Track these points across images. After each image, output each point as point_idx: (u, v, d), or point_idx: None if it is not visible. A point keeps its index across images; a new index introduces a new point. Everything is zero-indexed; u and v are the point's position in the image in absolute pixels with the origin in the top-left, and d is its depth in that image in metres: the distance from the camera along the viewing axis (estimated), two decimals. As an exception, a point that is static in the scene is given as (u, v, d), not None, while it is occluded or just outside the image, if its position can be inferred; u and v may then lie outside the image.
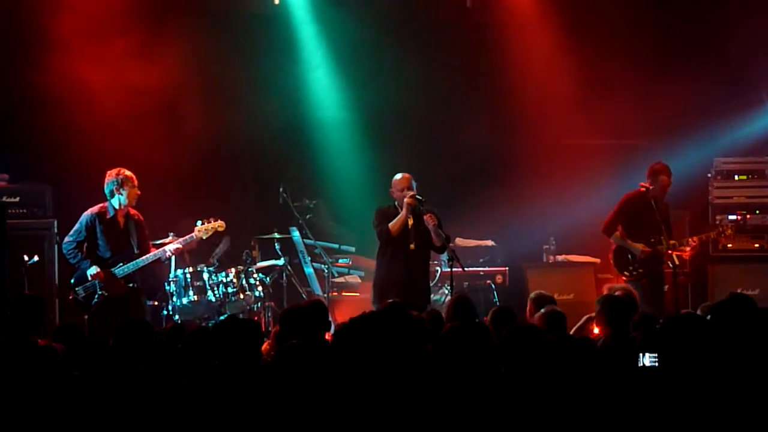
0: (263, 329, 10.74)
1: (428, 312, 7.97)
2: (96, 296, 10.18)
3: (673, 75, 12.68)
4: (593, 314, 8.01)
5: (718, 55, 12.78)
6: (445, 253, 10.29)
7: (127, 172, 10.28)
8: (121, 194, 10.23)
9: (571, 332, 8.31)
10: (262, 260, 12.29)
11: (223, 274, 11.39)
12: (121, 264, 10.24)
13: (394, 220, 10.11)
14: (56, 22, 12.09)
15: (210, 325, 10.09)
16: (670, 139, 12.72)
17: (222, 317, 8.85)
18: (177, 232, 11.23)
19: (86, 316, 10.23)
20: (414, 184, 10.23)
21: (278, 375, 5.61)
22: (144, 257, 10.29)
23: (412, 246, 10.14)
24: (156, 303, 11.60)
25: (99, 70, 12.28)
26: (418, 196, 10.11)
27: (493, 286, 12.49)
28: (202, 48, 12.67)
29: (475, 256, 12.87)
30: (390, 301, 7.64)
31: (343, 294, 12.80)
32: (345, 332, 6.05)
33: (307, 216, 12.92)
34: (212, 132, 12.67)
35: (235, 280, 11.39)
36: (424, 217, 10.04)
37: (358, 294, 12.74)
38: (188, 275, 11.25)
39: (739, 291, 10.92)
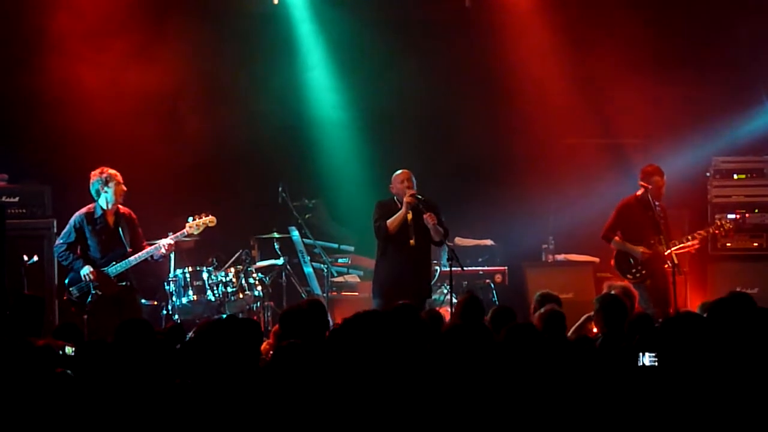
0: (263, 329, 10.75)
1: (427, 311, 7.98)
2: (90, 296, 10.19)
3: (673, 74, 12.68)
4: (592, 313, 8.02)
5: (717, 54, 12.78)
6: (445, 253, 10.29)
7: (111, 171, 10.25)
8: (107, 192, 10.22)
9: (571, 332, 8.32)
10: (262, 260, 12.31)
11: (223, 273, 11.40)
12: (114, 263, 10.24)
13: (393, 218, 10.12)
14: (55, 22, 12.10)
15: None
16: (669, 138, 12.72)
17: (222, 316, 8.85)
18: (176, 232, 11.24)
19: (85, 316, 10.23)
20: (414, 182, 10.24)
21: (277, 374, 5.62)
22: (135, 255, 10.29)
23: (412, 241, 10.15)
24: (155, 303, 11.61)
25: (98, 70, 12.29)
26: (418, 195, 10.12)
27: (493, 285, 12.49)
28: (201, 48, 12.66)
29: (475, 255, 12.88)
30: (400, 302, 7.63)
31: (343, 293, 12.81)
32: (340, 332, 6.07)
33: (307, 215, 12.93)
34: (211, 131, 12.67)
35: (234, 280, 11.40)
36: (424, 216, 10.05)
37: (357, 293, 12.74)
38: (188, 275, 11.25)
39: (738, 290, 10.93)
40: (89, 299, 10.19)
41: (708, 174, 12.92)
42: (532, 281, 12.40)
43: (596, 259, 12.75)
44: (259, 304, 11.71)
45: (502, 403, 5.50)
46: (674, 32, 13.06)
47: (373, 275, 10.47)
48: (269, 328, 11.32)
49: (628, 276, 10.86)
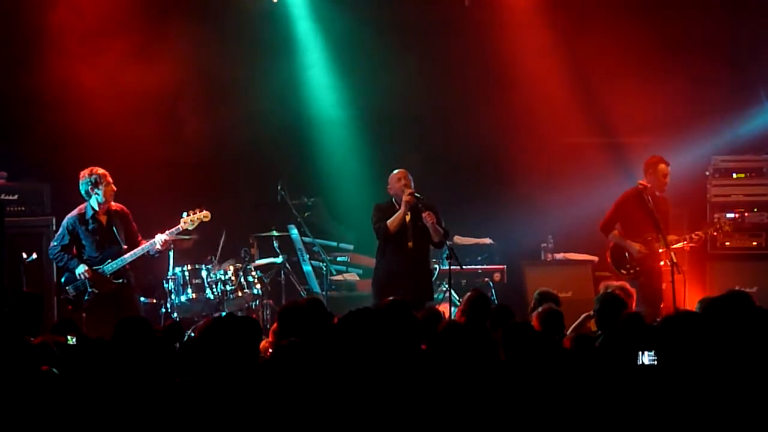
0: (261, 327, 10.73)
1: (427, 310, 7.98)
2: (87, 294, 10.20)
3: (672, 73, 12.68)
4: (592, 312, 8.02)
5: (717, 53, 12.79)
6: (444, 251, 10.29)
7: (100, 171, 10.24)
8: (97, 194, 10.22)
9: (570, 330, 8.32)
10: (261, 258, 12.30)
11: (222, 271, 11.39)
12: (109, 260, 10.25)
13: (393, 218, 10.12)
14: (55, 21, 12.11)
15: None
16: (669, 137, 12.71)
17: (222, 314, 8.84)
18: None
19: (83, 314, 10.23)
20: (411, 180, 10.23)
21: (276, 372, 5.62)
22: (131, 252, 10.28)
23: (410, 244, 10.14)
24: (154, 301, 11.60)
25: (98, 68, 12.29)
26: (416, 194, 10.11)
27: (492, 284, 12.49)
28: (201, 46, 12.65)
29: (474, 254, 12.88)
30: (391, 298, 7.63)
31: (342, 292, 12.80)
32: (335, 330, 6.07)
33: (306, 214, 12.93)
34: (211, 130, 12.67)
35: (233, 278, 11.39)
36: (423, 215, 10.05)
37: (356, 291, 12.74)
38: (186, 273, 11.24)
39: (737, 289, 10.93)
40: (86, 298, 10.21)
41: (707, 173, 12.92)
42: (531, 280, 12.40)
43: (595, 258, 12.75)
44: (258, 302, 11.70)
45: (500, 401, 5.50)
46: (674, 31, 13.05)
47: (373, 275, 10.47)
48: (268, 326, 11.31)
49: (622, 271, 10.87)
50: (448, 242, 10.31)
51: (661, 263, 10.83)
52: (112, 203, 10.35)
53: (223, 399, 5.53)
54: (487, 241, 13.10)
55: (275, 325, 7.44)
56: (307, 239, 12.73)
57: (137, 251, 10.30)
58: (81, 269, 10.18)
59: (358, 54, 13.33)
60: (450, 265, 10.10)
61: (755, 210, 12.78)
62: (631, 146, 13.04)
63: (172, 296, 11.22)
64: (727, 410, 5.38)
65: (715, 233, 11.37)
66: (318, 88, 13.57)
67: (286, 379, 5.56)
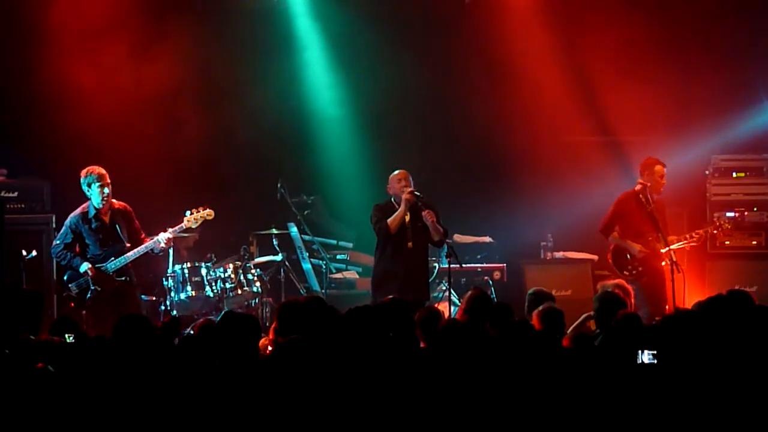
0: (261, 325, 10.73)
1: (426, 308, 7.98)
2: (89, 292, 10.20)
3: (672, 72, 12.68)
4: (592, 312, 8.01)
5: (716, 52, 12.78)
6: (443, 249, 10.28)
7: (96, 171, 10.21)
8: (91, 195, 10.23)
9: (570, 330, 8.31)
10: (260, 256, 12.30)
11: (221, 269, 11.39)
12: (112, 259, 10.25)
13: (393, 217, 10.11)
14: (55, 19, 12.10)
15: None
16: (669, 136, 12.71)
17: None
18: (174, 227, 11.23)
19: (84, 312, 10.23)
20: (411, 181, 10.23)
21: (278, 369, 5.62)
22: (135, 250, 10.28)
23: (409, 244, 10.14)
24: (154, 298, 11.60)
25: (98, 66, 12.28)
26: (416, 193, 10.11)
27: (491, 282, 12.49)
28: (201, 44, 12.65)
29: (473, 252, 12.88)
30: (390, 297, 7.64)
31: (341, 290, 12.80)
32: (335, 328, 6.08)
33: (305, 212, 12.93)
34: (210, 128, 12.67)
35: (233, 276, 11.39)
36: (423, 213, 10.04)
37: (355, 290, 12.74)
38: (186, 271, 11.24)
39: (736, 288, 10.93)
40: (89, 295, 10.21)
41: (707, 172, 12.92)
42: (531, 278, 12.40)
43: (594, 257, 12.75)
44: (257, 300, 11.70)
45: (498, 399, 5.50)
46: (674, 30, 13.05)
47: (372, 273, 10.47)
48: (267, 324, 11.32)
49: (624, 272, 10.86)
50: (447, 241, 10.30)
51: (663, 263, 10.83)
52: (114, 201, 10.35)
53: (224, 396, 5.53)
54: (487, 239, 13.10)
55: (275, 323, 7.43)
56: (306, 237, 12.73)
57: (140, 249, 10.30)
58: (85, 267, 10.18)
59: (358, 52, 13.32)
60: (450, 263, 10.10)
61: (755, 209, 12.78)
62: (631, 145, 13.03)
63: (172, 294, 11.22)
64: (727, 409, 5.39)
65: (715, 231, 11.36)
66: (318, 86, 13.55)
67: (288, 376, 5.56)
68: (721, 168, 12.93)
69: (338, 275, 12.97)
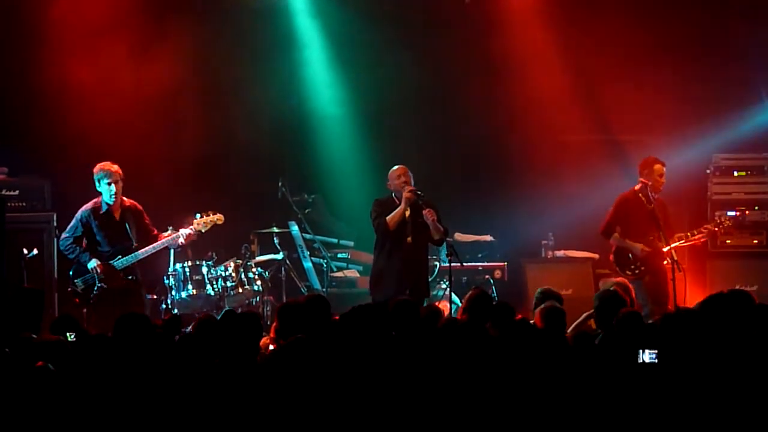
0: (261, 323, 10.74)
1: (426, 307, 7.98)
2: (95, 288, 10.19)
3: (673, 71, 12.67)
4: (593, 311, 8.00)
5: (717, 52, 12.77)
6: (444, 248, 10.27)
7: (107, 167, 10.22)
8: (103, 189, 10.24)
9: (571, 329, 8.32)
10: (261, 254, 12.31)
11: (222, 268, 11.40)
12: (120, 256, 10.25)
13: (392, 213, 10.09)
14: (56, 18, 12.10)
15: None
16: (669, 135, 12.71)
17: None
18: (176, 226, 11.23)
19: (84, 310, 10.24)
20: (411, 176, 10.22)
21: (283, 369, 5.63)
22: (144, 249, 10.29)
23: (408, 240, 10.12)
24: (155, 296, 11.61)
25: (99, 65, 12.30)
26: (417, 191, 10.10)
27: (492, 281, 12.49)
28: (201, 44, 12.66)
29: (474, 251, 12.88)
30: (397, 297, 7.63)
31: (342, 288, 12.81)
32: (338, 326, 6.08)
33: (306, 210, 12.94)
34: (211, 126, 12.68)
35: (234, 274, 11.40)
36: (424, 211, 10.02)
37: (356, 288, 12.74)
38: (187, 269, 11.25)
39: (737, 287, 10.93)
40: (94, 292, 10.19)
41: (708, 171, 12.91)
42: (532, 277, 12.41)
43: (596, 256, 12.75)
44: (258, 298, 11.71)
45: (498, 398, 5.51)
46: (673, 29, 13.03)
47: (371, 271, 10.46)
48: (268, 322, 11.33)
49: (627, 272, 10.85)
50: (448, 239, 10.29)
51: (665, 262, 10.83)
52: (125, 199, 10.37)
53: (225, 395, 5.53)
54: (488, 238, 13.10)
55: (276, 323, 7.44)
56: (307, 236, 12.74)
57: (157, 245, 10.34)
58: (93, 263, 10.18)
59: (358, 51, 13.32)
60: (450, 262, 10.09)
61: (756, 208, 12.77)
62: (632, 144, 13.03)
63: (173, 292, 11.23)
64: (727, 408, 5.39)
65: (716, 229, 11.36)
66: (318, 85, 13.56)
67: (294, 375, 5.57)
68: (722, 167, 12.92)
69: (339, 274, 12.97)
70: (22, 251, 10.86)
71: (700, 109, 12.75)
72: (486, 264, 12.75)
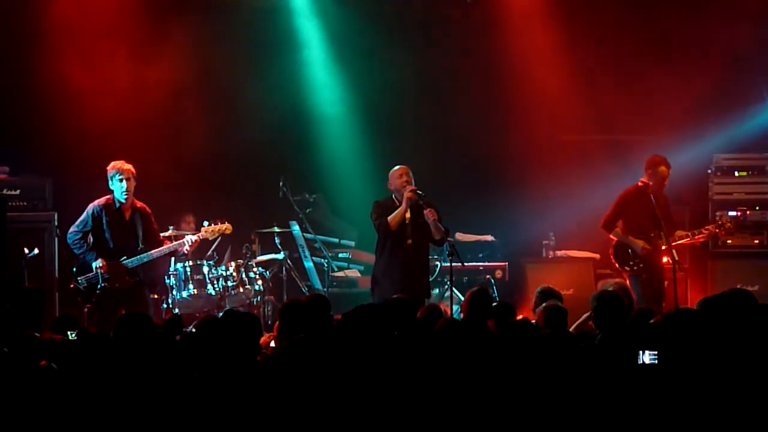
0: (263, 323, 10.75)
1: (427, 306, 7.99)
2: (99, 287, 10.18)
3: (673, 71, 12.67)
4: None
5: (717, 51, 12.76)
6: (445, 248, 10.27)
7: (119, 165, 10.22)
8: (115, 187, 10.25)
9: (571, 329, 8.32)
10: (262, 254, 12.32)
11: (223, 267, 11.41)
12: (126, 257, 10.26)
13: (393, 214, 10.10)
14: (56, 17, 12.11)
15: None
16: (670, 135, 12.70)
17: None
18: (177, 226, 11.26)
19: (85, 309, 10.23)
20: (412, 177, 10.22)
21: (286, 369, 5.63)
22: (151, 252, 10.30)
23: (409, 241, 10.13)
24: (156, 296, 11.61)
25: (99, 65, 12.31)
26: (418, 191, 10.10)
27: (493, 281, 12.49)
28: (201, 44, 12.67)
29: (475, 251, 12.88)
30: (395, 296, 7.64)
31: (343, 288, 12.81)
32: (339, 326, 6.09)
33: (307, 210, 12.94)
34: (212, 126, 12.69)
35: (234, 274, 11.40)
36: (425, 211, 10.03)
37: (357, 288, 12.75)
38: (188, 269, 11.25)
39: (738, 287, 10.92)
40: (97, 290, 10.18)
41: (709, 171, 12.90)
42: (533, 277, 12.40)
43: (596, 256, 12.74)
44: (259, 298, 11.71)
45: (497, 398, 5.51)
46: (675, 29, 13.04)
47: (372, 271, 10.47)
48: (269, 322, 11.35)
49: (626, 267, 10.87)
50: (449, 239, 10.29)
51: (664, 260, 10.83)
52: (137, 201, 10.38)
53: (226, 394, 5.54)
54: (489, 238, 13.10)
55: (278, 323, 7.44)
56: (308, 235, 12.74)
57: (164, 249, 10.35)
58: (98, 263, 10.17)
59: (358, 51, 13.32)
60: (451, 262, 10.10)
61: (757, 208, 12.76)
62: (633, 144, 13.03)
63: (174, 292, 11.24)
64: (728, 408, 5.39)
65: (717, 230, 11.36)
66: (319, 85, 13.57)
67: (296, 374, 5.57)
68: (723, 167, 12.91)
69: (340, 274, 12.98)
70: (23, 251, 10.86)
71: (701, 109, 12.74)
72: (487, 264, 12.75)
